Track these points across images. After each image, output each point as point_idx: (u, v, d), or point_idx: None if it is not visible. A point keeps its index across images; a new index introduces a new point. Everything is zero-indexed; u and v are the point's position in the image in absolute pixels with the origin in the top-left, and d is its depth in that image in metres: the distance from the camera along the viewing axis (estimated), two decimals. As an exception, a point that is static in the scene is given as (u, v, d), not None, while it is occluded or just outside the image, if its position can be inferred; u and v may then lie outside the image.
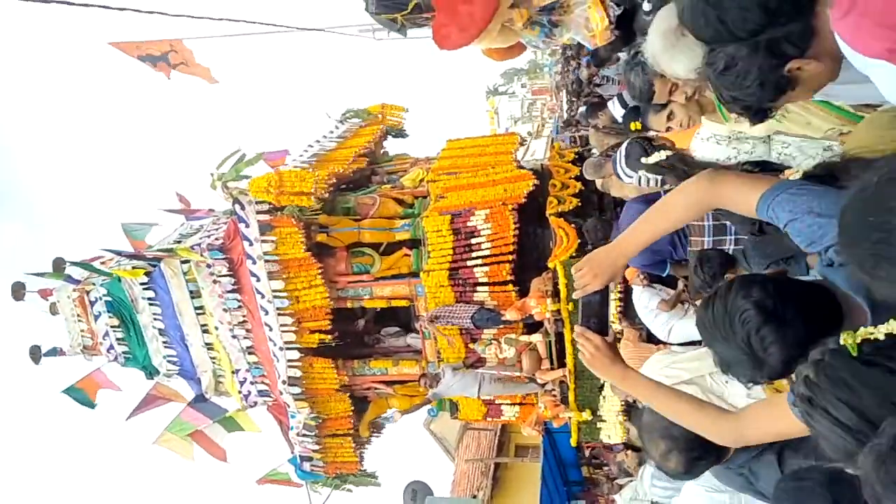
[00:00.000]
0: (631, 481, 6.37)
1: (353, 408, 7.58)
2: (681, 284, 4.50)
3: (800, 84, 1.60)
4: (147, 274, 7.28)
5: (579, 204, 6.75)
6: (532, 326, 6.83)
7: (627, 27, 3.38)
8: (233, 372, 7.54)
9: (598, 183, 5.56)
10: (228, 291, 6.99)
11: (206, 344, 7.51)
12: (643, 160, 2.54)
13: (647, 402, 1.93)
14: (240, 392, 7.66)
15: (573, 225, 6.54)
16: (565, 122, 12.23)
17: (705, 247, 3.69)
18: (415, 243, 7.10)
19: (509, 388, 7.02)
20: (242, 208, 6.74)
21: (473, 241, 6.75)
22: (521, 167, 7.47)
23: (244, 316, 7.12)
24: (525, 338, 6.80)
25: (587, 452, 11.86)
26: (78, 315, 7.90)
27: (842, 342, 1.21)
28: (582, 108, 8.44)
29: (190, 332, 7.46)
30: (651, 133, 3.02)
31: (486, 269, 6.76)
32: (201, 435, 8.10)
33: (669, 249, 3.82)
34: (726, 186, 1.74)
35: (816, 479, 1.59)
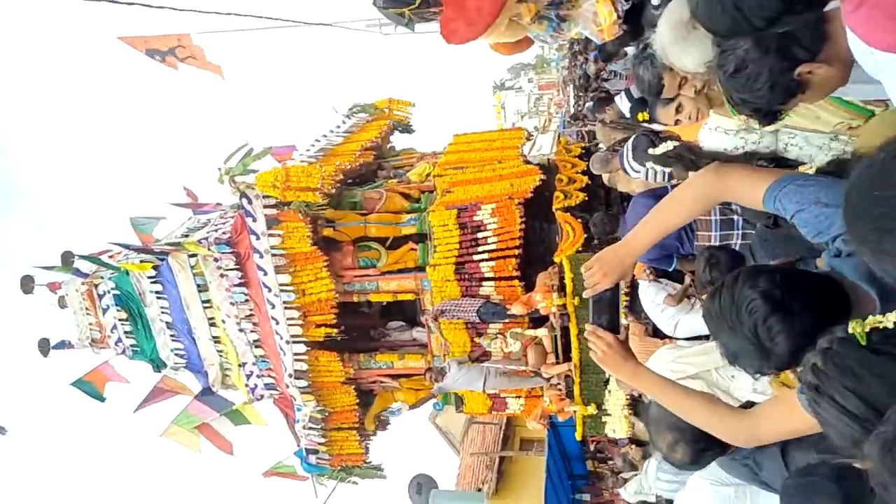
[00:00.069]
0: (636, 475, 6.39)
1: (358, 401, 7.62)
2: (687, 279, 4.49)
3: (810, 88, 1.60)
4: (155, 268, 7.32)
5: (586, 198, 6.75)
6: (538, 321, 6.84)
7: (635, 21, 3.38)
8: (239, 365, 7.58)
9: (605, 178, 5.55)
10: (235, 285, 7.02)
11: (214, 337, 7.55)
12: (650, 151, 2.54)
13: (658, 400, 1.92)
14: (246, 385, 7.71)
15: (579, 220, 6.54)
16: (572, 117, 12.20)
17: (712, 241, 3.69)
18: (421, 238, 7.12)
19: (515, 382, 7.04)
20: (249, 202, 6.77)
21: (480, 235, 6.76)
22: (528, 162, 7.47)
23: (251, 309, 7.16)
24: (531, 332, 6.81)
25: (592, 446, 11.88)
26: (86, 308, 7.95)
27: (850, 330, 1.21)
28: (589, 103, 8.42)
29: (197, 326, 7.50)
30: (658, 126, 3.02)
31: (492, 263, 6.77)
32: (208, 428, 8.15)
33: (676, 244, 3.82)
34: (733, 179, 1.74)
35: (825, 475, 1.59)
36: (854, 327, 1.21)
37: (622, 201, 6.42)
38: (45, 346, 8.13)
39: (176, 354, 7.77)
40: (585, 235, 6.42)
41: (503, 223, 6.73)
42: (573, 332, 6.38)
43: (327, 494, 8.38)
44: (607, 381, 6.44)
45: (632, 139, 2.89)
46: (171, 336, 7.67)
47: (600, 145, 6.57)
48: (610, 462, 11.16)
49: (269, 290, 6.93)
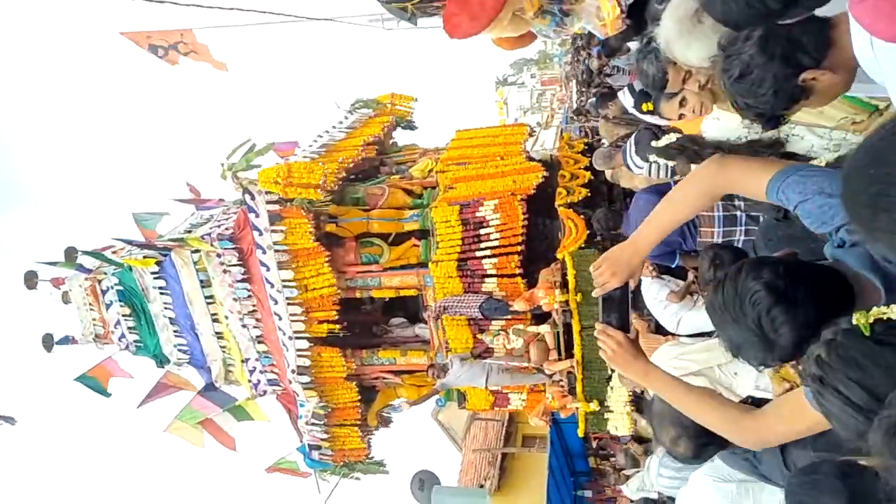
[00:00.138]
0: (638, 472, 6.38)
1: (360, 397, 7.63)
2: (690, 275, 4.48)
3: (814, 94, 1.61)
4: (158, 263, 7.33)
5: (588, 194, 6.74)
6: (540, 317, 6.83)
7: (639, 16, 3.36)
8: (242, 361, 7.60)
9: (608, 173, 5.54)
10: (238, 281, 7.03)
11: (217, 333, 7.57)
12: (654, 144, 2.53)
13: (667, 399, 1.91)
14: (249, 381, 7.73)
15: (582, 216, 6.53)
16: (575, 112, 12.17)
17: (715, 238, 3.67)
18: (423, 233, 7.11)
19: (517, 378, 7.04)
20: (252, 198, 6.77)
21: (482, 231, 6.75)
22: (531, 158, 7.45)
23: (254, 305, 7.17)
24: (533, 328, 6.81)
25: (594, 443, 11.89)
26: (90, 304, 7.98)
27: (854, 322, 1.21)
28: (592, 99, 8.40)
29: (200, 322, 7.52)
30: (661, 121, 3.01)
31: (494, 260, 6.77)
32: (211, 423, 8.18)
33: (679, 240, 3.81)
34: (735, 170, 1.73)
35: (829, 472, 1.58)
36: (858, 318, 1.21)
37: (625, 197, 6.40)
38: (48, 342, 8.16)
39: (179, 350, 7.79)
40: (588, 232, 6.41)
41: (506, 219, 6.72)
42: (575, 328, 6.38)
43: (330, 490, 8.41)
44: (610, 378, 6.43)
45: (635, 134, 2.88)
46: (175, 332, 7.69)
47: (603, 141, 6.55)
48: (612, 459, 11.16)
49: (272, 285, 6.93)
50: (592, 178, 6.77)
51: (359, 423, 7.81)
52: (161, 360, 7.99)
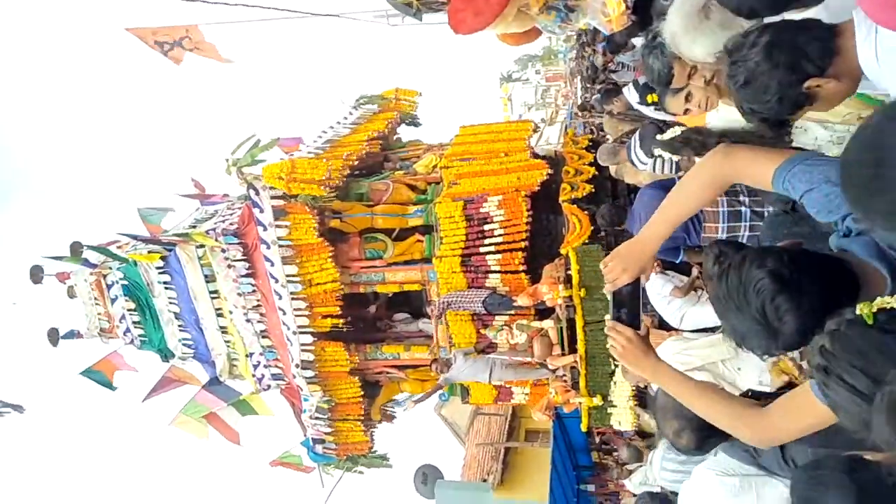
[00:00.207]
0: (641, 466, 6.40)
1: (364, 391, 7.66)
2: (695, 271, 4.49)
3: (818, 100, 1.63)
4: (163, 258, 7.37)
5: (593, 190, 6.73)
6: (544, 312, 6.85)
7: (644, 12, 3.35)
8: (247, 355, 7.63)
9: (612, 169, 5.54)
10: (243, 276, 7.06)
11: (221, 327, 7.60)
12: (659, 137, 2.53)
13: (676, 396, 1.91)
14: (254, 375, 7.76)
15: (586, 211, 6.53)
16: (580, 108, 12.13)
17: (720, 233, 3.68)
18: (427, 229, 7.12)
19: (520, 373, 7.05)
20: (257, 193, 6.79)
21: (486, 227, 6.76)
22: (536, 155, 7.45)
23: (258, 300, 7.20)
24: (537, 324, 6.82)
25: (597, 438, 11.90)
26: (95, 298, 8.02)
27: (857, 312, 1.22)
28: (596, 95, 8.39)
29: (205, 316, 7.55)
30: (666, 117, 3.01)
31: (498, 256, 6.78)
32: (215, 417, 8.22)
33: (683, 236, 3.81)
34: (741, 159, 1.73)
35: (835, 467, 1.58)
36: (861, 308, 1.22)
37: (629, 193, 6.39)
38: (54, 336, 8.21)
39: (184, 344, 7.83)
40: (592, 227, 6.41)
41: (510, 215, 6.73)
42: (579, 323, 6.39)
43: (334, 484, 8.45)
44: (613, 373, 6.44)
45: (639, 130, 2.88)
46: (179, 326, 7.73)
47: (607, 137, 6.54)
48: (615, 453, 11.17)
49: (276, 280, 6.96)
50: (597, 173, 6.77)
51: (362, 417, 7.84)
52: (166, 355, 8.03)
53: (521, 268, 6.76)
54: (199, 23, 6.82)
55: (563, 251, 6.57)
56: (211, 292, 7.41)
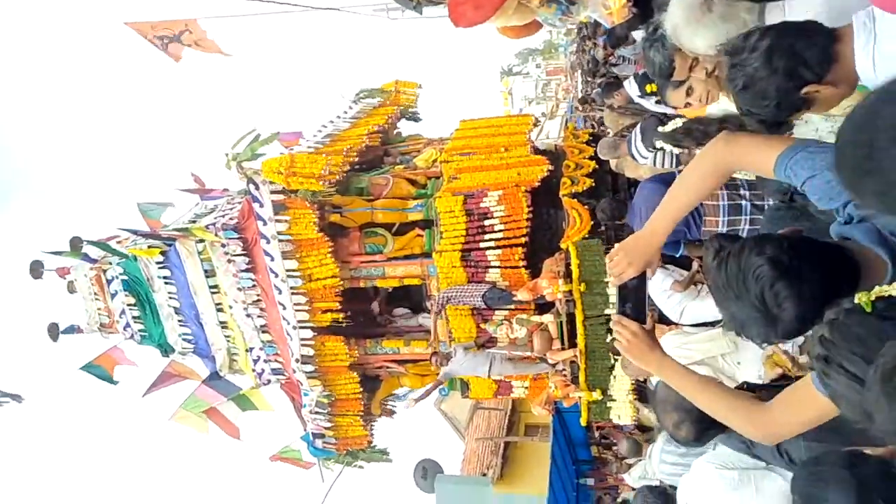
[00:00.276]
0: (640, 461, 6.42)
1: (364, 386, 7.66)
2: (695, 265, 4.49)
3: (815, 104, 1.67)
4: (162, 253, 7.36)
5: (593, 184, 6.72)
6: (543, 307, 6.84)
7: (645, 5, 3.34)
8: (247, 350, 7.64)
9: (613, 163, 5.54)
10: (242, 271, 7.06)
11: (221, 322, 7.60)
12: (660, 129, 2.53)
13: (680, 391, 1.91)
14: (254, 370, 7.77)
15: (586, 206, 6.52)
16: (580, 101, 12.12)
17: (720, 227, 3.68)
18: (427, 224, 7.12)
19: (520, 368, 7.06)
20: (257, 188, 6.78)
21: (486, 222, 6.75)
22: (536, 149, 7.43)
23: (258, 295, 7.20)
24: (536, 318, 6.82)
25: (597, 432, 11.94)
26: (95, 293, 8.02)
27: (856, 301, 1.22)
28: (597, 89, 8.37)
29: (205, 311, 7.55)
30: (666, 109, 3.01)
31: (498, 252, 6.77)
32: (216, 412, 8.24)
33: (683, 230, 3.81)
34: (744, 146, 1.73)
35: (836, 463, 1.58)
36: (860, 298, 1.22)
37: (629, 187, 6.39)
38: (54, 331, 8.21)
39: (184, 339, 7.83)
40: (592, 222, 6.40)
41: (510, 211, 6.71)
42: (579, 318, 6.39)
43: (334, 478, 8.47)
44: (612, 367, 6.45)
45: (640, 123, 2.87)
46: (179, 321, 7.73)
47: (608, 131, 6.54)
48: (614, 447, 11.21)
49: (276, 275, 6.96)
50: (597, 167, 6.76)
51: (362, 411, 7.85)
52: (166, 350, 8.04)
53: (521, 263, 6.76)
54: (198, 17, 6.81)
55: (563, 245, 6.56)
56: (211, 287, 7.40)
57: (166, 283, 7.51)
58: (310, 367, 7.34)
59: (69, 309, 8.36)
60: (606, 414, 6.81)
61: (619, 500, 9.99)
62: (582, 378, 6.59)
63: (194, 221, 7.65)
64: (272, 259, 6.90)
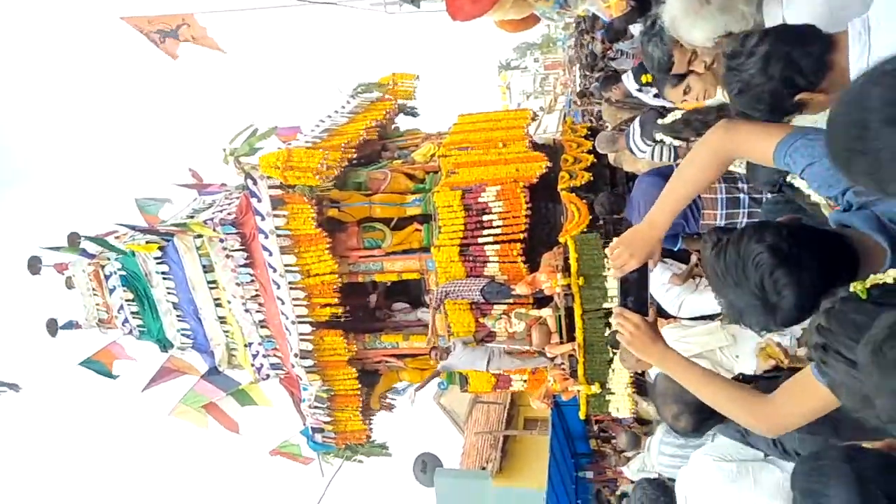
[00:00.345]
0: (638, 453, 6.44)
1: (363, 381, 7.68)
2: (693, 258, 4.49)
3: (808, 108, 1.71)
4: (161, 248, 7.35)
5: (591, 179, 6.72)
6: (542, 301, 6.86)
7: (643, -2, 3.34)
8: (245, 345, 7.64)
9: (611, 157, 5.54)
10: (241, 266, 7.05)
11: (220, 317, 7.60)
12: (660, 122, 2.53)
13: (683, 384, 1.91)
14: (252, 365, 7.78)
15: (585, 200, 6.52)
16: (578, 95, 12.11)
17: (718, 220, 3.68)
18: (426, 218, 7.11)
19: (519, 362, 7.08)
20: (254, 183, 6.77)
21: (485, 217, 6.75)
22: (535, 144, 7.42)
23: (257, 290, 7.20)
24: (535, 312, 6.84)
25: (595, 425, 11.98)
26: (93, 289, 8.01)
27: (852, 289, 1.23)
28: (595, 83, 8.35)
29: (203, 306, 7.55)
30: (665, 102, 3.00)
31: (496, 247, 6.77)
32: (215, 407, 8.25)
33: (682, 223, 3.81)
34: (743, 133, 1.73)
35: (835, 457, 1.58)
36: (855, 286, 1.23)
37: (627, 181, 6.39)
38: (53, 327, 8.21)
39: (182, 335, 7.83)
40: (590, 216, 6.41)
41: (508, 207, 6.71)
42: (577, 312, 6.40)
43: (333, 472, 8.50)
44: (611, 361, 6.47)
45: (639, 117, 2.87)
46: (178, 316, 7.73)
47: (606, 125, 6.53)
48: (613, 441, 11.25)
49: (275, 270, 6.96)
50: (595, 161, 6.76)
51: (361, 406, 7.87)
52: (164, 345, 8.04)
53: (520, 259, 6.76)
54: (195, 11, 6.78)
55: (561, 239, 6.57)
56: (209, 282, 7.40)
57: (164, 278, 7.51)
58: (309, 362, 7.35)
59: (67, 304, 8.36)
60: (605, 407, 6.83)
61: (618, 493, 10.03)
62: (580, 371, 6.61)
63: (192, 216, 7.64)
64: (270, 254, 6.89)
